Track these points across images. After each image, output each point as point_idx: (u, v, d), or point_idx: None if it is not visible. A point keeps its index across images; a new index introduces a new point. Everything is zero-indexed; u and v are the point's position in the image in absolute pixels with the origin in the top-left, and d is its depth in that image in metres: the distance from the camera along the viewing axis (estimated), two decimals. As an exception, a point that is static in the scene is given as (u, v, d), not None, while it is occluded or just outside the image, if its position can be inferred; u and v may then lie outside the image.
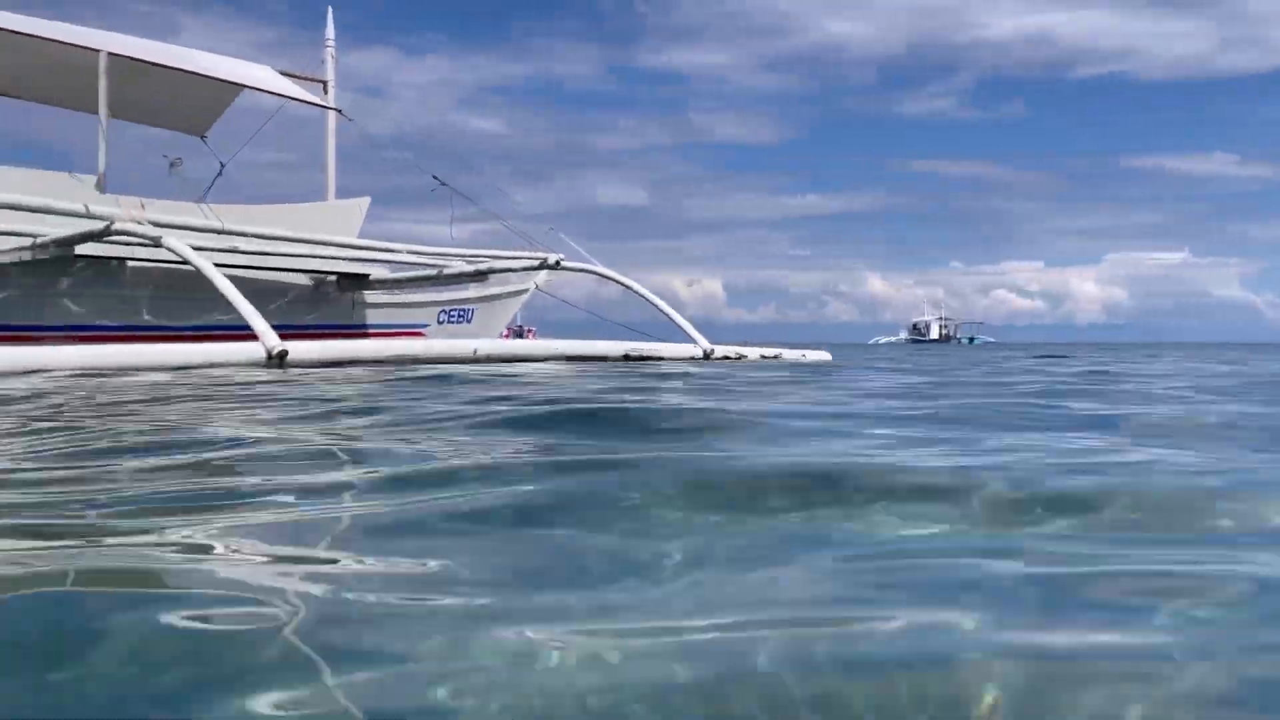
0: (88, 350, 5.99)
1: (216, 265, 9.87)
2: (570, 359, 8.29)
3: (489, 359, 7.86)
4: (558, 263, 10.44)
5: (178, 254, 7.23)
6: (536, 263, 10.61)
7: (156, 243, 7.38)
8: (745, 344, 9.62)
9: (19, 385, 4.85)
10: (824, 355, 9.89)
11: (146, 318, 9.98)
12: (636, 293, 10.05)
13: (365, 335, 12.06)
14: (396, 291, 12.35)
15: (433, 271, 11.28)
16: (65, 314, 9.54)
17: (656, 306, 9.81)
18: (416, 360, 7.47)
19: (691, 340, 9.40)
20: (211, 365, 6.43)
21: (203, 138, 11.85)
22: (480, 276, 11.38)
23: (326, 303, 11.66)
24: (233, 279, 7.46)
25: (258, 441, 2.52)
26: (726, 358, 9.25)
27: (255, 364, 6.62)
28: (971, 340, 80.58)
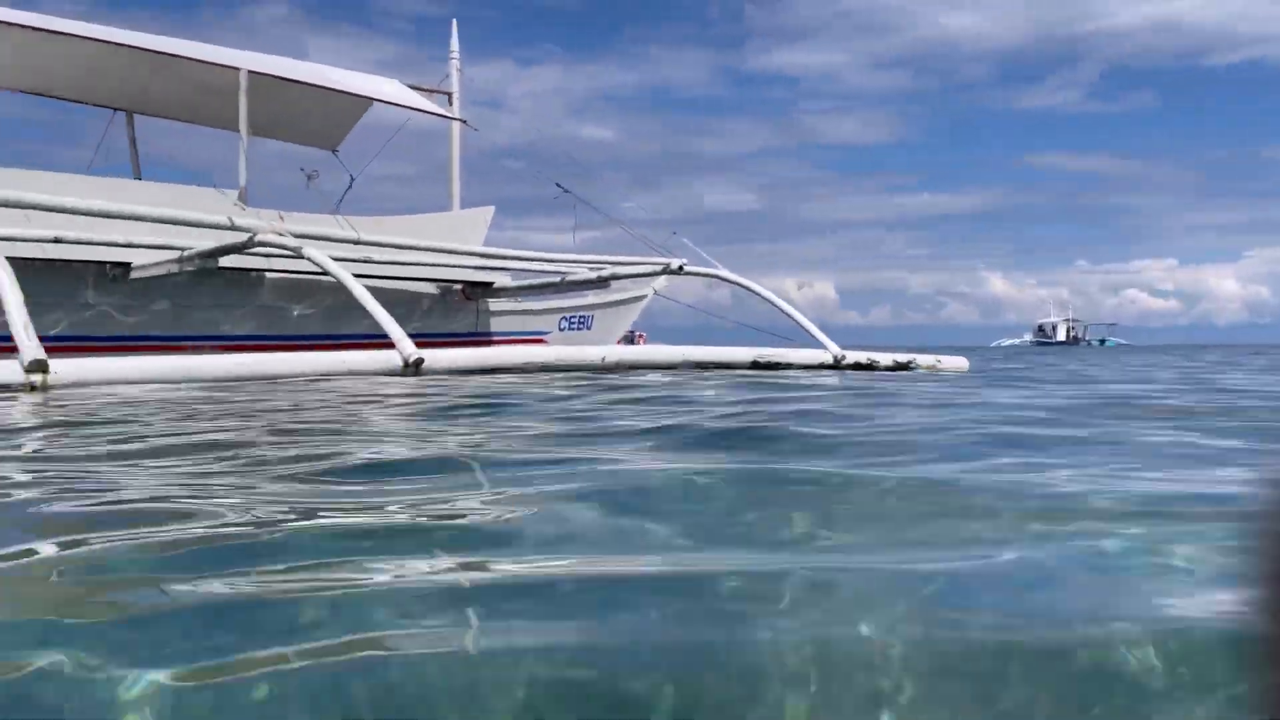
0: (234, 360, 6.13)
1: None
2: (698, 365, 8.13)
3: (617, 366, 7.77)
4: (681, 268, 10.31)
5: (317, 264, 7.38)
6: (659, 268, 10.50)
7: (297, 254, 7.56)
8: (863, 348, 9.26)
9: (173, 395, 4.98)
10: (960, 362, 9.45)
11: (284, 328, 10.29)
12: (762, 297, 9.82)
13: (489, 343, 12.20)
14: (519, 299, 12.45)
15: (556, 278, 11.31)
16: (209, 324, 9.92)
17: (782, 310, 9.56)
18: (546, 368, 7.43)
19: (820, 346, 9.12)
20: (351, 374, 6.51)
21: (334, 151, 12.18)
22: (603, 283, 11.35)
23: (452, 311, 11.84)
24: (366, 289, 7.58)
25: (443, 452, 2.43)
26: (857, 364, 8.93)
27: (392, 372, 6.68)
28: (1103, 342, 76.92)
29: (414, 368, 6.71)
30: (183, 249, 8.61)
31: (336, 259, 7.90)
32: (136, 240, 8.31)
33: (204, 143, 15.35)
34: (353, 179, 12.14)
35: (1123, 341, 78.94)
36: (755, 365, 8.36)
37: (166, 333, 9.64)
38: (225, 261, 8.77)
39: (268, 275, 10.16)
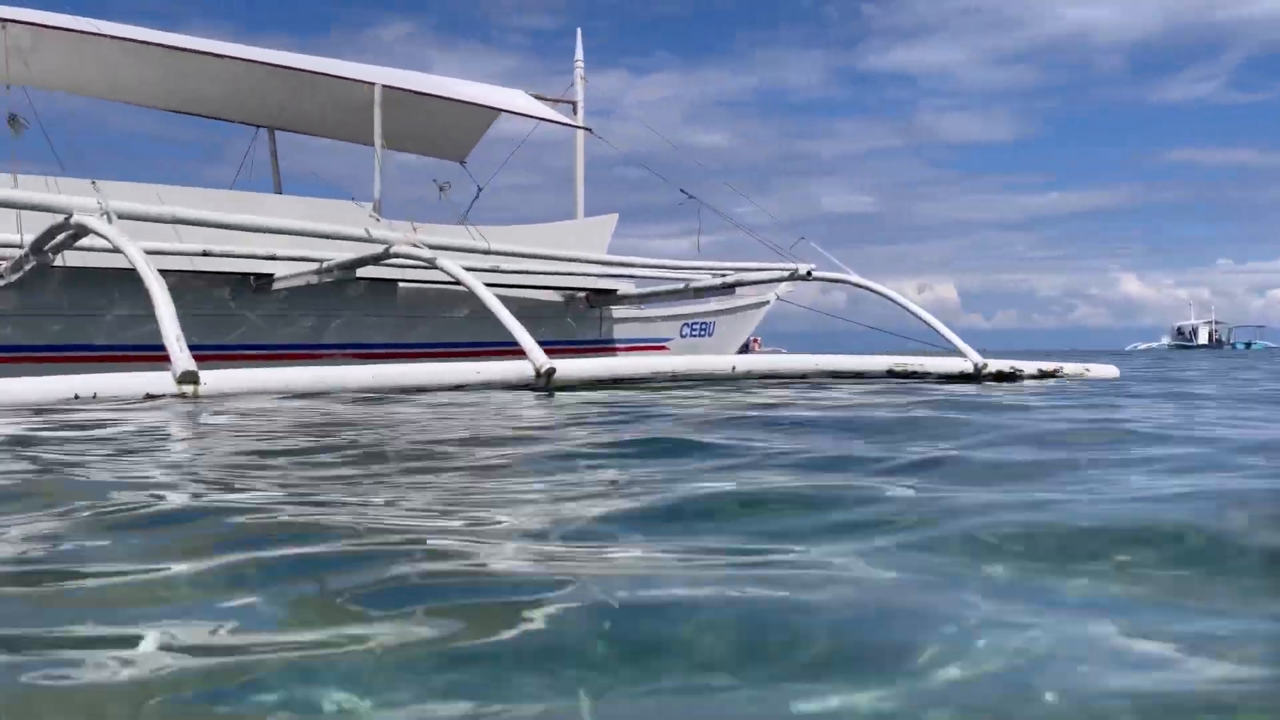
0: (373, 371, 6.18)
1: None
2: (833, 375, 7.84)
3: (749, 375, 7.55)
4: (809, 273, 10.01)
5: (450, 274, 7.42)
6: (786, 273, 10.23)
7: (431, 264, 7.62)
8: (997, 355, 8.75)
9: (316, 405, 5.02)
10: (1110, 370, 8.86)
11: (416, 336, 10.46)
12: (896, 303, 9.44)
13: (612, 350, 12.16)
14: (641, 306, 12.37)
15: (680, 285, 11.17)
16: (345, 334, 10.16)
17: (919, 317, 9.16)
18: (676, 377, 7.27)
19: (958, 353, 8.69)
20: (484, 384, 6.49)
21: (462, 163, 12.37)
22: (728, 289, 11.16)
23: (576, 319, 11.84)
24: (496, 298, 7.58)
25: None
26: (1000, 374, 8.46)
27: (524, 382, 6.64)
28: (1249, 345, 72.16)
29: (546, 377, 6.65)
30: (322, 260, 8.82)
31: (467, 269, 7.94)
32: (279, 253, 8.55)
33: (336, 157, 15.89)
34: (479, 189, 12.31)
35: (1270, 345, 73.84)
36: (891, 374, 8.01)
37: (305, 342, 9.92)
38: (361, 272, 8.95)
39: (400, 285, 10.35)
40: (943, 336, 8.84)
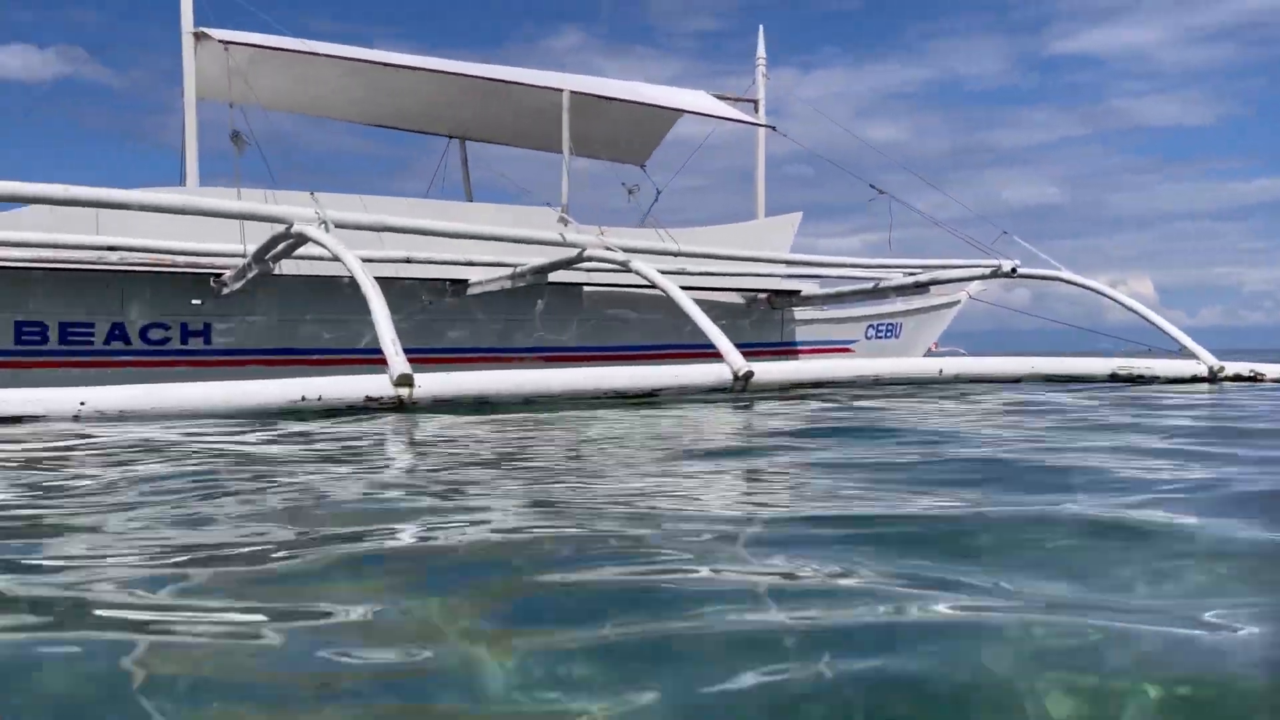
0: (578, 374, 6.16)
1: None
2: (1048, 379, 7.29)
3: (956, 379, 7.11)
4: (1014, 270, 9.38)
5: (644, 277, 7.35)
6: (988, 270, 9.63)
7: (625, 267, 7.57)
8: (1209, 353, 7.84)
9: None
10: None
11: (604, 339, 10.50)
12: (1112, 299, 8.72)
13: (795, 353, 11.84)
14: (824, 308, 11.99)
15: (868, 285, 10.74)
16: (533, 338, 10.30)
17: (1143, 316, 8.42)
18: (880, 380, 6.93)
19: (1189, 355, 7.92)
20: (681, 388, 6.36)
21: (642, 166, 12.35)
22: (921, 288, 10.64)
23: (758, 321, 11.60)
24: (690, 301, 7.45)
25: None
26: (1239, 377, 7.66)
27: (721, 386, 6.47)
28: None
29: (743, 381, 6.46)
30: (514, 265, 8.95)
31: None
32: (476, 259, 8.73)
33: (515, 164, 16.28)
34: (658, 192, 12.25)
35: None
36: (1115, 378, 7.37)
37: (495, 345, 10.12)
38: (550, 276, 9.02)
39: (585, 288, 10.41)
40: (1171, 337, 8.09)
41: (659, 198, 12.23)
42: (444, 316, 9.88)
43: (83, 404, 4.47)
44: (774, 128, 11.52)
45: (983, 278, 10.04)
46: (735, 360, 6.51)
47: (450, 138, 11.66)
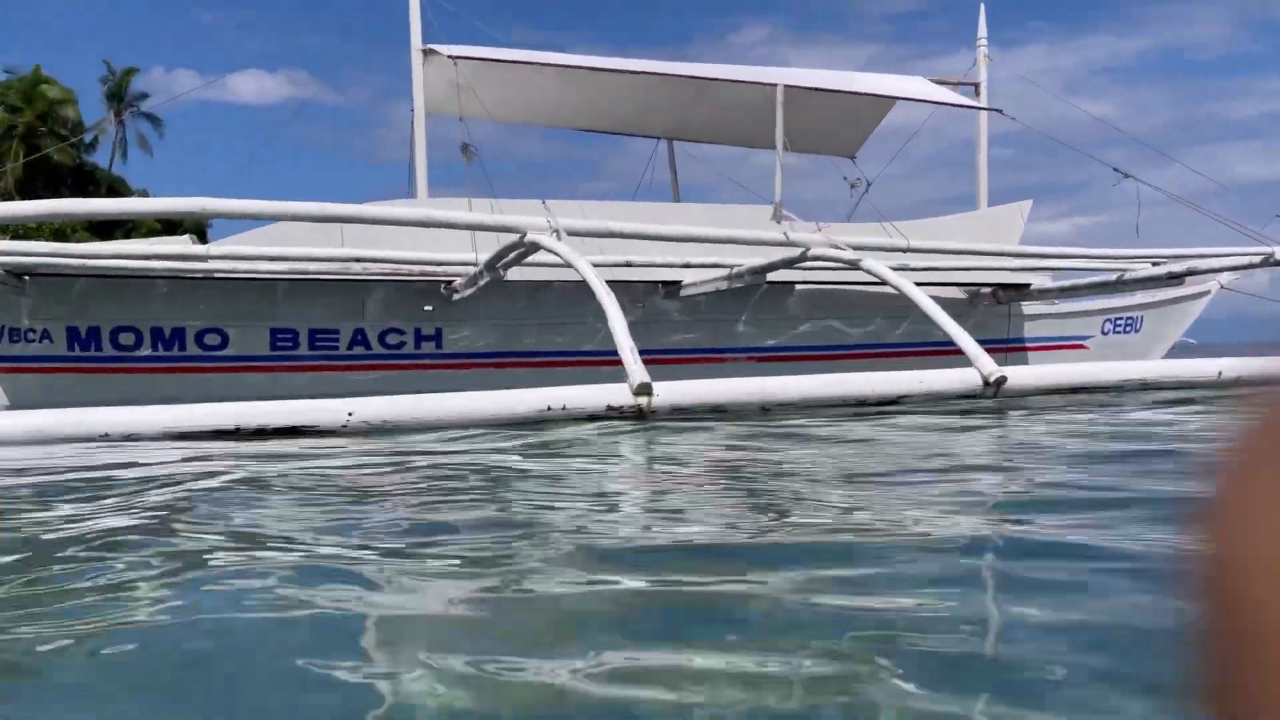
0: (818, 380, 5.91)
1: (875, 284, 9.73)
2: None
3: (1238, 382, 6.35)
4: (1290, 258, 8.37)
5: (877, 275, 7.02)
6: (1256, 258, 8.63)
7: (854, 265, 7.26)
8: None
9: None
10: None
11: (817, 341, 10.18)
12: None
13: (1022, 351, 11.09)
14: (1055, 302, 11.16)
15: (1109, 277, 9.88)
16: (743, 339, 10.11)
17: None
18: (1147, 385, 6.29)
19: None
20: (927, 395, 5.99)
21: (852, 158, 11.91)
22: (1175, 280, 9.66)
23: (981, 317, 10.92)
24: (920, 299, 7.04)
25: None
26: None
27: (969, 392, 6.05)
28: None
29: (994, 387, 6.01)
30: (730, 266, 8.78)
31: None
32: (693, 260, 8.63)
33: (716, 163, 16.13)
34: (868, 184, 11.76)
35: None
36: None
37: (707, 347, 9.99)
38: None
39: (798, 287, 10.12)
40: None
41: (868, 190, 11.77)
42: (655, 318, 9.86)
43: (350, 414, 4.64)
44: (1000, 111, 10.80)
45: (1250, 266, 9.00)
46: (985, 364, 6.07)
47: (659, 139, 11.64)
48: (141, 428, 4.32)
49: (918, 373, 6.12)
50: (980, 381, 6.01)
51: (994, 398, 6.05)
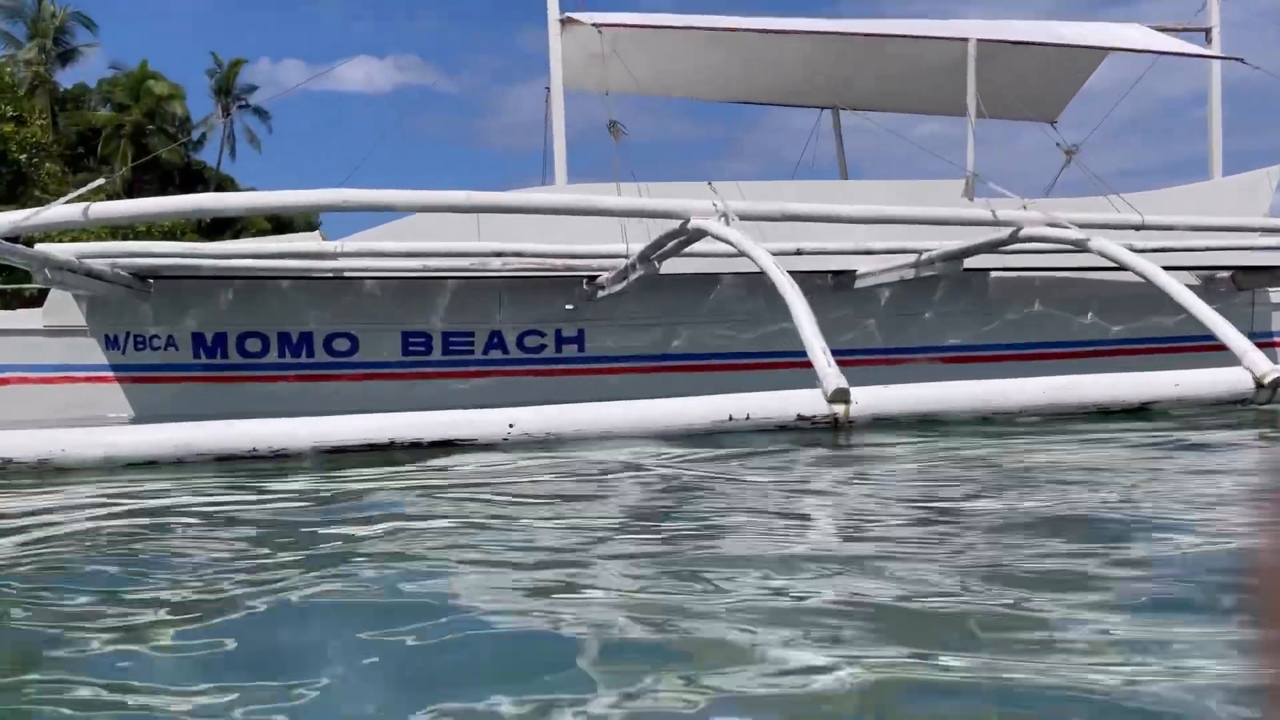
0: (1039, 384, 5.35)
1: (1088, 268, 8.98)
2: None
3: None
4: None
5: (1111, 258, 6.39)
6: None
7: (1080, 247, 6.64)
8: None
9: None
10: None
11: (1017, 337, 9.51)
12: None
13: (1271, 347, 10.08)
14: (1311, 288, 10.13)
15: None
16: (930, 336, 9.52)
17: None
18: None
19: None
20: (1179, 400, 5.37)
21: (1053, 124, 11.15)
22: None
23: (1216, 305, 9.98)
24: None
25: None
26: None
27: (1237, 397, 5.40)
28: None
29: (1270, 390, 5.34)
30: (915, 251, 8.25)
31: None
32: (872, 246, 8.14)
33: (882, 134, 15.42)
34: (1069, 153, 10.95)
35: None
36: None
37: (884, 345, 9.45)
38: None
39: (993, 275, 9.47)
40: None
41: (1070, 161, 10.98)
42: (828, 315, 9.38)
43: (511, 426, 4.42)
44: (1242, 60, 9.85)
45: None
46: (1258, 363, 5.39)
47: (821, 109, 11.16)
48: (289, 441, 4.21)
49: (1170, 374, 5.48)
50: (1252, 384, 5.35)
51: (1267, 403, 5.38)
